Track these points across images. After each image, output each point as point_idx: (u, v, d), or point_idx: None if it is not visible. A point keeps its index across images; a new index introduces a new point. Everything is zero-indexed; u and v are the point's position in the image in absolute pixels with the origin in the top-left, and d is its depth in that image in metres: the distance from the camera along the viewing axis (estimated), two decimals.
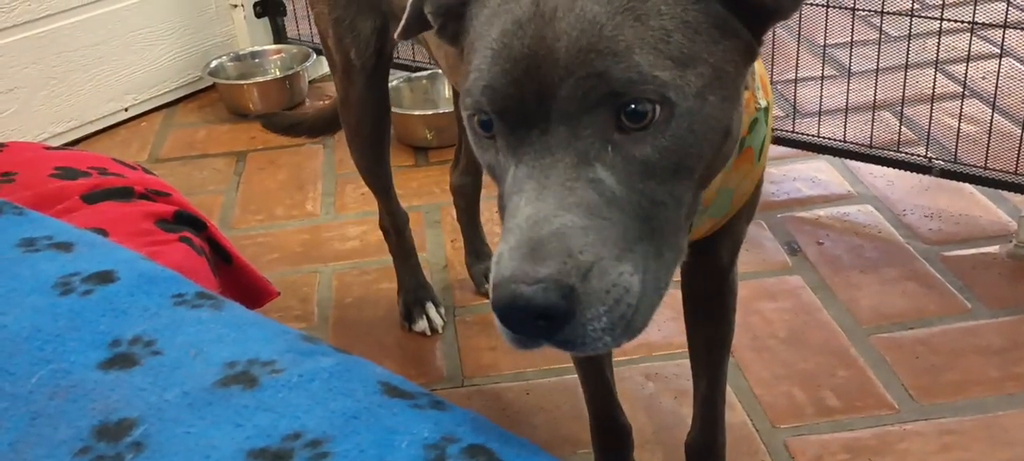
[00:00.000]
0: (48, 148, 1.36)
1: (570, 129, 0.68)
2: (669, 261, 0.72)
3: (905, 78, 2.07)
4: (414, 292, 1.76)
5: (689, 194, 0.73)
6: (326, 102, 1.98)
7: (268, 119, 2.01)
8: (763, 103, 0.96)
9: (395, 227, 1.76)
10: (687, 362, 1.43)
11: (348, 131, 1.63)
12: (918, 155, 1.95)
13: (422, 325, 1.74)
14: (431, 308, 1.75)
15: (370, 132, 1.60)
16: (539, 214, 0.65)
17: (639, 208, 0.68)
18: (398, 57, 2.58)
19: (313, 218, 2.17)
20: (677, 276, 1.19)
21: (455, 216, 1.90)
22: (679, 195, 0.71)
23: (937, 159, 1.93)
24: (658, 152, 0.69)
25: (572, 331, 0.65)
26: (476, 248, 1.87)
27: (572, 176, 0.67)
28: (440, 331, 1.74)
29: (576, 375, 1.57)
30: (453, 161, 1.86)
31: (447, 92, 2.52)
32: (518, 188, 0.68)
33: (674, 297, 1.36)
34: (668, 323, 1.68)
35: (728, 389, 1.53)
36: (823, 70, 2.35)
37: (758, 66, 0.95)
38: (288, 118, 2.03)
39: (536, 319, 0.64)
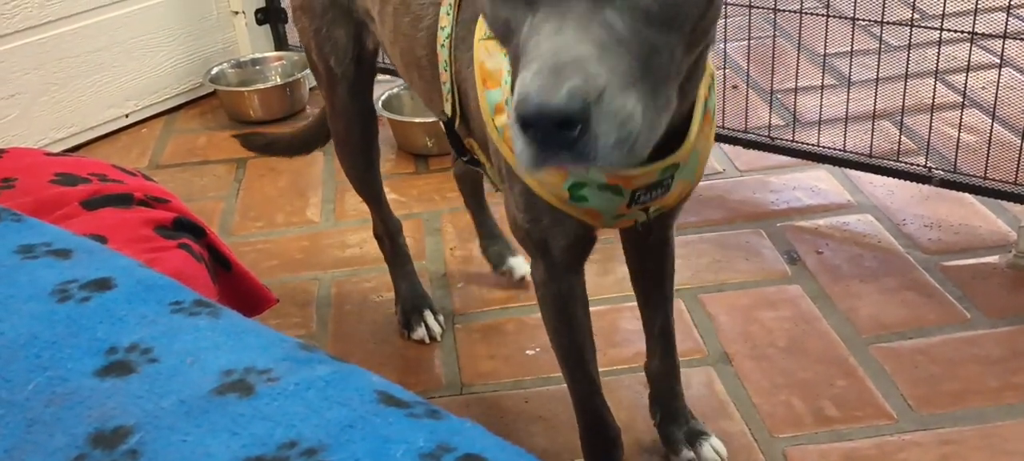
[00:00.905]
0: (48, 154, 1.36)
1: None
2: (661, 106, 0.83)
3: (905, 88, 2.07)
4: (412, 300, 1.77)
5: (679, 49, 0.85)
6: (303, 124, 2.01)
7: (246, 138, 2.04)
8: (712, 70, 1.10)
9: (388, 234, 1.77)
10: (686, 370, 1.44)
11: (336, 140, 1.66)
12: (918, 165, 1.95)
13: (421, 332, 1.74)
14: (429, 315, 1.75)
15: (358, 140, 1.63)
16: (559, 45, 0.76)
17: (641, 51, 0.79)
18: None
19: (313, 225, 2.17)
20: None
21: (450, 227, 1.91)
22: (672, 47, 0.83)
23: (937, 169, 1.93)
24: (658, 3, 0.80)
25: (586, 144, 0.75)
26: (488, 229, 1.89)
27: (586, 18, 0.77)
28: (438, 338, 1.74)
29: None
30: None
31: None
32: (536, 31, 0.78)
33: None
34: None
35: (726, 398, 1.54)
36: (823, 79, 2.35)
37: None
38: (265, 137, 2.07)
39: (558, 128, 0.74)
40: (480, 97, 1.12)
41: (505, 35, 0.85)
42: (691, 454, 1.40)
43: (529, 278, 1.79)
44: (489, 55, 1.11)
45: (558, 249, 1.16)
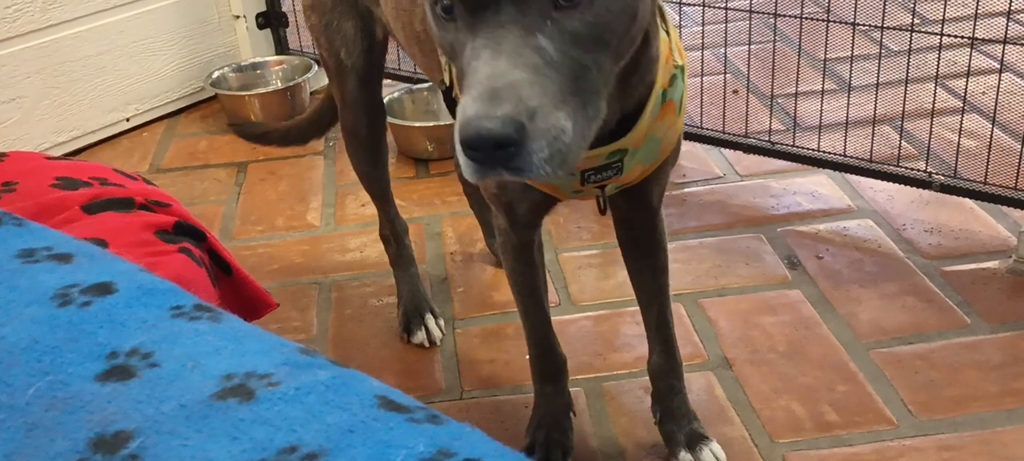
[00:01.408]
0: (49, 158, 1.36)
1: (517, 8, 0.85)
2: (591, 116, 0.90)
3: (905, 93, 2.07)
4: (413, 303, 1.77)
5: (607, 64, 0.92)
6: (299, 116, 2.02)
7: (240, 127, 2.06)
8: (680, 62, 1.16)
9: (395, 235, 1.78)
10: (686, 375, 1.44)
11: (345, 133, 1.69)
12: (918, 170, 1.95)
13: (421, 336, 1.74)
14: (430, 319, 1.75)
15: (367, 134, 1.66)
16: (495, 71, 0.82)
17: (571, 71, 0.86)
18: (398, 69, 2.59)
19: (313, 229, 2.17)
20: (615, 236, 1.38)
21: (451, 231, 1.91)
22: (600, 63, 0.90)
23: (937, 174, 1.93)
24: (585, 26, 0.88)
25: (521, 159, 0.82)
26: (491, 226, 1.94)
27: (520, 44, 0.84)
28: (438, 342, 1.74)
29: (574, 389, 1.57)
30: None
31: None
32: (476, 56, 0.85)
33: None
34: None
35: (727, 403, 1.54)
36: (824, 84, 2.35)
37: (672, 33, 1.15)
38: (260, 126, 2.08)
39: (494, 149, 0.81)
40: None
41: (451, 55, 0.92)
42: (689, 457, 1.40)
43: None
44: None
45: (521, 211, 1.27)
